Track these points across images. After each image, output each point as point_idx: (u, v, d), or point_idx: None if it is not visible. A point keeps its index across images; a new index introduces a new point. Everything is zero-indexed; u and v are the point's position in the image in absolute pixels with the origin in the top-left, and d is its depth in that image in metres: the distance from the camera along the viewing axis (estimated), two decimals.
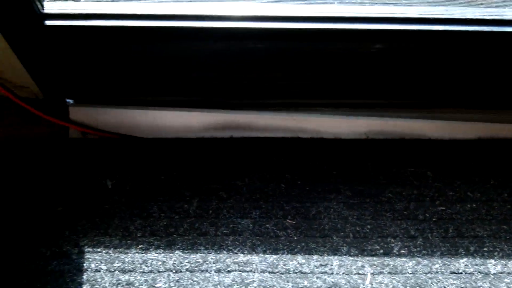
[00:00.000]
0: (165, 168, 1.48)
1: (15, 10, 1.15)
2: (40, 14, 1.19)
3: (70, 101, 1.52)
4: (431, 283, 1.31)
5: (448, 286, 1.31)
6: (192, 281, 1.31)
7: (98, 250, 1.36)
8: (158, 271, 1.33)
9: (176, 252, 1.36)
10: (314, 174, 1.48)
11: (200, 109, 1.51)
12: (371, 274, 1.33)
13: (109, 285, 1.31)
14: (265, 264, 1.34)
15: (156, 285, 1.31)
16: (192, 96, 1.51)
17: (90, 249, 1.36)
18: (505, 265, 1.35)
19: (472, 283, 1.32)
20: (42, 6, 1.20)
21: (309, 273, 1.33)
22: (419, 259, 1.35)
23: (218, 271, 1.33)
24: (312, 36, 1.23)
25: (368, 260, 1.35)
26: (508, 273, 1.33)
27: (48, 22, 1.21)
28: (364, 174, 1.48)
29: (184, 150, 1.51)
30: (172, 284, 1.31)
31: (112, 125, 1.52)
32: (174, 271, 1.33)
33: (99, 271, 1.33)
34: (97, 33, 1.25)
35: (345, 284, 1.31)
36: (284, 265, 1.34)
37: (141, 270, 1.33)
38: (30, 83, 1.43)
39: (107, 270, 1.33)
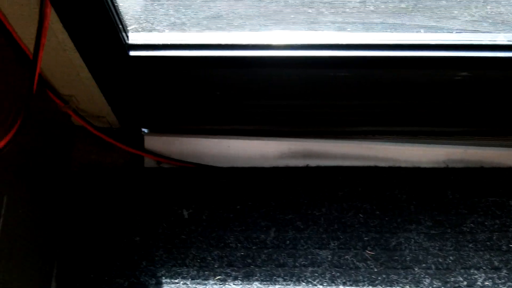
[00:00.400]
0: (240, 198, 1.46)
1: (102, 41, 1.16)
2: (126, 45, 1.19)
3: (145, 130, 1.52)
4: None
5: None
6: None
7: (176, 281, 1.34)
8: None
9: (254, 283, 1.34)
10: (392, 204, 1.44)
11: (275, 137, 1.50)
12: None
13: None
14: None
15: None
16: (267, 124, 1.50)
17: (168, 280, 1.35)
18: None
19: None
20: (127, 37, 1.20)
21: None
22: None
23: None
24: (397, 63, 1.21)
25: None
26: None
27: (132, 53, 1.21)
28: (444, 204, 1.44)
29: (259, 179, 1.49)
30: None
31: (187, 154, 1.52)
32: None
33: None
34: (178, 63, 1.24)
35: None
36: None
37: None
38: (106, 113, 1.43)
39: None
